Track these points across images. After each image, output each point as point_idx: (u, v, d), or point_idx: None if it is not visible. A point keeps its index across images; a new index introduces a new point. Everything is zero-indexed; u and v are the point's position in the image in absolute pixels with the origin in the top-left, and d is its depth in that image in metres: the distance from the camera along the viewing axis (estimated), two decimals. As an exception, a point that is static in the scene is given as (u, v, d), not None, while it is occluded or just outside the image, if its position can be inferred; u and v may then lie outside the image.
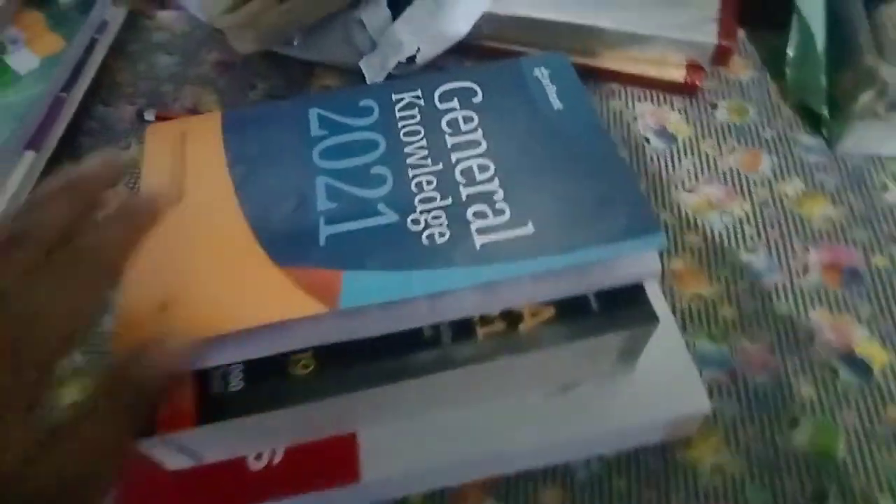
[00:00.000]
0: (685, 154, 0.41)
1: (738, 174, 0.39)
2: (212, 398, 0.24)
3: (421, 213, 0.26)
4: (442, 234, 0.26)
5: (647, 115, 0.43)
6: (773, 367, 0.32)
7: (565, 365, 0.27)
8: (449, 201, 0.27)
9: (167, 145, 0.30)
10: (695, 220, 0.38)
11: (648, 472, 0.29)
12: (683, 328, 0.33)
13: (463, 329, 0.26)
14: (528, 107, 0.30)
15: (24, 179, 0.37)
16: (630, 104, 0.43)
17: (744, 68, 0.45)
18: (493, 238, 0.25)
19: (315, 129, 0.30)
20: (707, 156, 0.40)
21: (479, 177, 0.28)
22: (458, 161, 0.28)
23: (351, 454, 0.27)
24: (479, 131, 0.29)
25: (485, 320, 0.26)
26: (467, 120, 0.30)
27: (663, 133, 0.42)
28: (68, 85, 0.41)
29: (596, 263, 0.25)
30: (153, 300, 0.24)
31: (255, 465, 0.27)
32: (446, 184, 0.27)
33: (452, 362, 0.25)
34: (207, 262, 0.26)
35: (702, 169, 0.40)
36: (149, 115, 0.44)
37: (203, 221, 0.27)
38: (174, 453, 0.26)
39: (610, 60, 0.44)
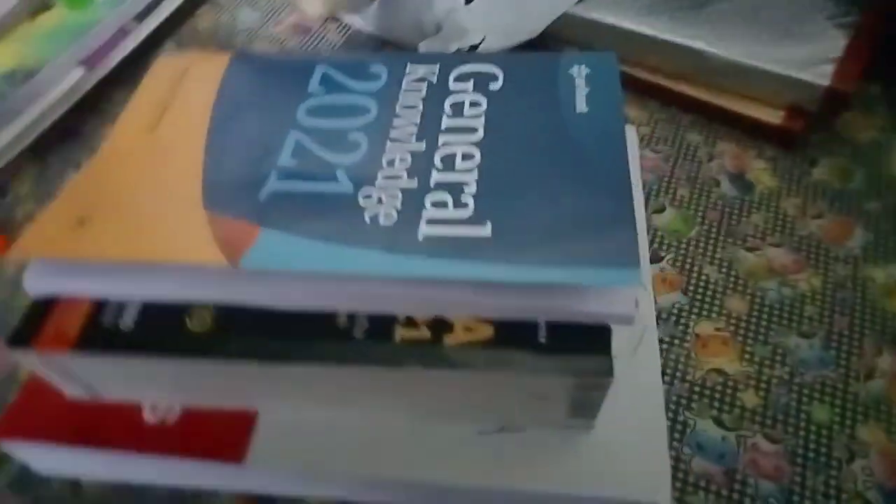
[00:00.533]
0: (758, 208, 0.34)
1: (819, 245, 0.32)
2: (99, 328, 0.22)
3: (378, 188, 0.23)
4: (388, 216, 0.22)
5: (727, 157, 0.36)
6: (785, 479, 0.25)
7: (501, 400, 0.23)
8: (413, 184, 0.23)
9: (167, 77, 0.29)
10: (745, 283, 0.31)
11: (583, 560, 0.24)
12: (688, 405, 0.27)
13: (381, 327, 0.22)
14: (547, 104, 0.26)
15: (69, 92, 0.38)
16: (710, 140, 0.37)
17: (865, 128, 0.37)
18: (442, 232, 0.21)
19: (313, 86, 0.28)
20: (786, 215, 0.34)
21: (458, 165, 0.24)
22: (444, 145, 0.25)
23: (244, 433, 0.24)
24: (482, 119, 0.26)
25: (410, 324, 0.22)
26: (474, 105, 0.26)
27: (739, 179, 0.35)
28: (141, 16, 0.42)
29: (550, 286, 0.21)
30: (74, 214, 0.23)
31: (151, 419, 0.25)
32: (420, 166, 0.24)
33: (356, 359, 0.21)
34: (145, 193, 0.24)
35: (774, 228, 0.33)
36: (214, 62, 0.44)
37: (162, 154, 0.25)
38: (64, 378, 0.24)
39: (698, 88, 0.38)
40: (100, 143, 0.39)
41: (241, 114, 0.27)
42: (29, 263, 0.23)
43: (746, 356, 0.29)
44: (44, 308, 0.23)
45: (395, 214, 0.22)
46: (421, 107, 0.26)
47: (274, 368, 0.22)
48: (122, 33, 0.41)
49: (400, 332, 0.22)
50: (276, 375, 0.23)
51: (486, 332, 0.21)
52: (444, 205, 0.22)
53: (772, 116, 0.36)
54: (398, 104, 0.27)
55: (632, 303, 0.21)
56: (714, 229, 0.33)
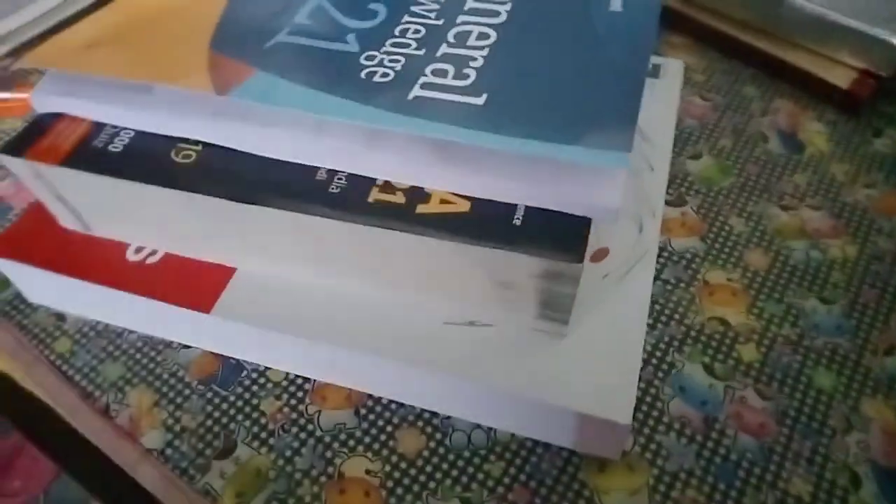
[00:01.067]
0: (804, 169, 0.31)
1: (864, 214, 0.29)
2: (89, 148, 0.23)
3: (383, 52, 0.22)
4: (385, 75, 0.21)
5: (782, 114, 0.34)
6: (769, 437, 0.23)
7: (469, 285, 0.22)
8: (421, 52, 0.22)
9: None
10: (771, 239, 0.29)
11: (534, 472, 0.23)
12: (680, 347, 0.25)
13: (357, 186, 0.21)
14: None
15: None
16: (767, 96, 0.34)
17: (947, 105, 0.34)
18: (433, 95, 0.21)
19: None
20: (833, 180, 0.31)
21: (470, 41, 0.23)
22: (463, 23, 0.24)
23: (217, 286, 0.24)
24: (508, 4, 0.25)
25: (387, 188, 0.21)
26: (507, -10, 0.25)
27: (790, 138, 0.33)
28: None
29: (531, 163, 0.20)
30: (89, 37, 0.23)
31: (133, 258, 0.25)
32: (431, 39, 0.23)
33: (324, 211, 0.21)
34: (158, 28, 0.24)
35: (816, 191, 0.30)
36: None
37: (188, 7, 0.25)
38: (53, 199, 0.24)
39: (767, 40, 0.35)
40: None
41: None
42: (40, 81, 0.24)
43: (755, 311, 0.26)
44: (44, 126, 0.24)
45: (391, 74, 0.21)
46: (449, -14, 0.25)
47: (247, 212, 0.22)
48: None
49: (375, 195, 0.21)
50: (250, 222, 0.22)
51: (462, 206, 0.20)
52: (444, 73, 0.21)
53: (841, 79, 0.33)
54: (426, -20, 0.26)
55: (616, 194, 0.19)
56: (750, 183, 0.31)
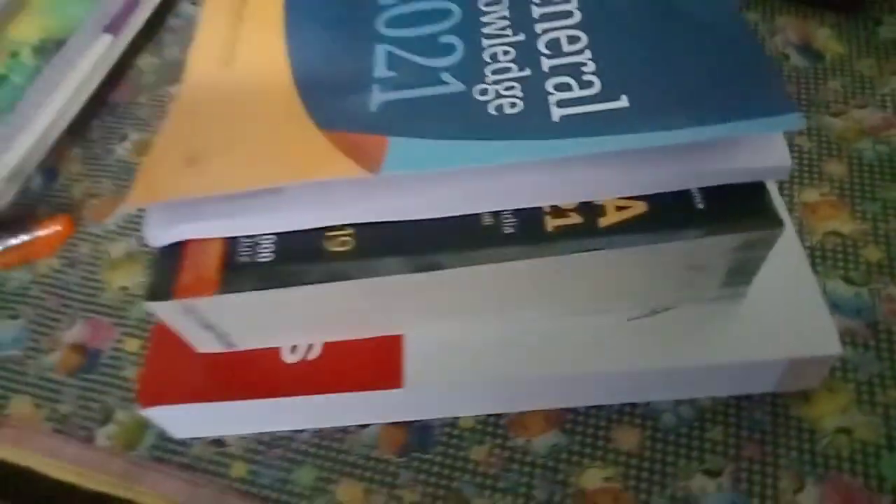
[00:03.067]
0: (833, 74, 0.33)
1: (902, 98, 0.32)
2: (237, 266, 0.22)
3: (492, 83, 0.22)
4: (514, 105, 0.21)
5: (789, 30, 0.36)
6: (929, 322, 0.25)
7: (656, 278, 0.22)
8: (527, 73, 0.22)
9: (226, 5, 0.28)
10: (839, 147, 0.31)
11: (752, 425, 0.24)
12: (814, 268, 0.27)
13: (529, 220, 0.21)
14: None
15: (99, 60, 0.36)
16: (768, 17, 0.36)
17: (919, -19, 0.36)
18: (577, 110, 0.21)
19: (384, -1, 0.27)
20: (862, 76, 0.33)
21: (566, 48, 0.23)
22: (545, 31, 0.24)
23: (394, 358, 0.24)
24: (574, 2, 0.25)
25: (558, 213, 0.21)
26: (562, -10, 0.25)
27: (807, 49, 0.35)
28: (154, -24, 0.40)
29: (706, 144, 0.20)
30: (182, 155, 0.22)
31: (290, 358, 0.25)
32: (526, 54, 0.23)
33: (508, 255, 0.21)
34: (246, 123, 0.23)
35: (854, 91, 0.33)
36: (236, 16, 0.42)
37: (249, 82, 0.24)
38: (200, 328, 0.23)
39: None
40: (135, 114, 0.37)
41: (316, 36, 0.26)
42: (146, 215, 0.22)
43: (858, 215, 0.28)
44: (173, 260, 0.22)
45: (520, 103, 0.21)
46: (506, 1, 0.25)
47: (423, 280, 0.21)
48: (140, -5, 0.39)
49: (550, 222, 0.21)
50: (423, 289, 0.22)
51: (640, 208, 0.21)
52: (567, 87, 0.22)
53: (829, -19, 0.35)
54: (481, 2, 0.25)
55: (785, 152, 0.20)
56: (795, 101, 0.33)
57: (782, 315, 0.23)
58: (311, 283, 0.21)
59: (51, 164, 0.36)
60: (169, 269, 0.22)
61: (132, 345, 0.29)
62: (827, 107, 0.32)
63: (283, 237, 0.22)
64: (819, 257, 0.28)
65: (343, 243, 0.22)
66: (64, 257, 0.33)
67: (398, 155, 0.20)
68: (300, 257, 0.21)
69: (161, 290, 0.22)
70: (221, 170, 0.21)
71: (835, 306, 0.26)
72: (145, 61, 0.41)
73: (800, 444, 0.23)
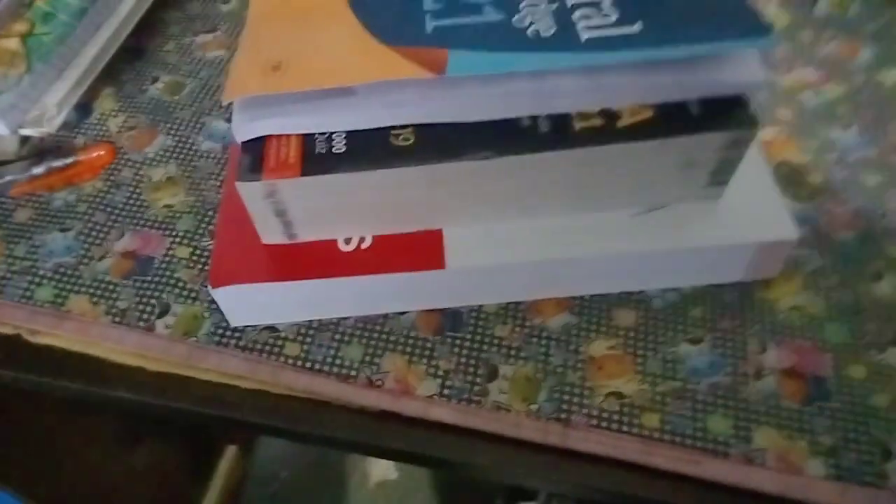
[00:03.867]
0: (781, 40, 0.40)
1: (836, 61, 0.39)
2: (315, 156, 0.26)
3: (527, 13, 0.27)
4: (548, 29, 0.26)
5: (743, 6, 0.42)
6: (858, 229, 0.31)
7: (657, 173, 0.27)
8: (556, 5, 0.27)
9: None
10: (787, 97, 0.37)
11: (725, 305, 0.29)
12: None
13: (560, 122, 0.26)
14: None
15: (133, 9, 0.39)
16: (725, -5, 0.43)
17: (846, -29, 0.44)
18: (600, 33, 0.26)
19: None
20: (803, 44, 0.40)
21: (588, -12, 0.28)
22: (569, -24, 0.29)
23: (437, 247, 0.28)
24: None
25: (584, 117, 0.26)
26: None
27: (758, 22, 0.41)
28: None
29: (702, 60, 0.26)
30: (266, 62, 0.26)
31: (345, 248, 0.28)
32: (554, -9, 0.28)
33: (546, 147, 0.25)
34: (317, 40, 0.27)
35: (797, 55, 0.39)
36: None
37: (312, 10, 0.28)
38: (272, 215, 0.27)
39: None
40: (165, 60, 0.40)
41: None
42: (234, 112, 0.26)
43: (803, 148, 0.35)
44: (256, 150, 0.26)
45: (552, 28, 0.26)
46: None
47: (471, 170, 0.26)
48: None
49: (578, 123, 0.26)
50: (469, 179, 0.26)
51: (648, 113, 0.26)
52: (589, 17, 0.27)
53: (775, -33, 0.42)
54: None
55: (760, 69, 0.26)
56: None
57: (751, 211, 0.28)
58: (378, 169, 0.25)
59: (85, 101, 0.38)
60: (254, 158, 0.26)
61: (183, 252, 0.32)
62: (776, 67, 0.39)
63: (353, 134, 0.26)
64: (775, 181, 0.33)
65: (406, 139, 0.26)
66: (108, 180, 0.35)
67: (458, 62, 0.25)
68: (369, 150, 0.26)
69: (250, 174, 0.25)
70: (303, 73, 0.25)
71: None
72: (169, 14, 0.44)
73: (762, 318, 0.29)
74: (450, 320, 0.30)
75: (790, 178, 0.34)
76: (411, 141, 0.26)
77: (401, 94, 0.25)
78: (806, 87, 0.37)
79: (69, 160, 0.36)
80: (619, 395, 0.27)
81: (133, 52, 0.41)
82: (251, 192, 0.26)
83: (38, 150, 0.36)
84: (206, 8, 0.44)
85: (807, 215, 0.32)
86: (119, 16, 0.38)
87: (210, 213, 0.34)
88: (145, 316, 0.30)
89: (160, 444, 0.77)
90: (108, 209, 0.34)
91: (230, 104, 0.37)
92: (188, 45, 0.42)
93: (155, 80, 0.40)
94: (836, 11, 0.41)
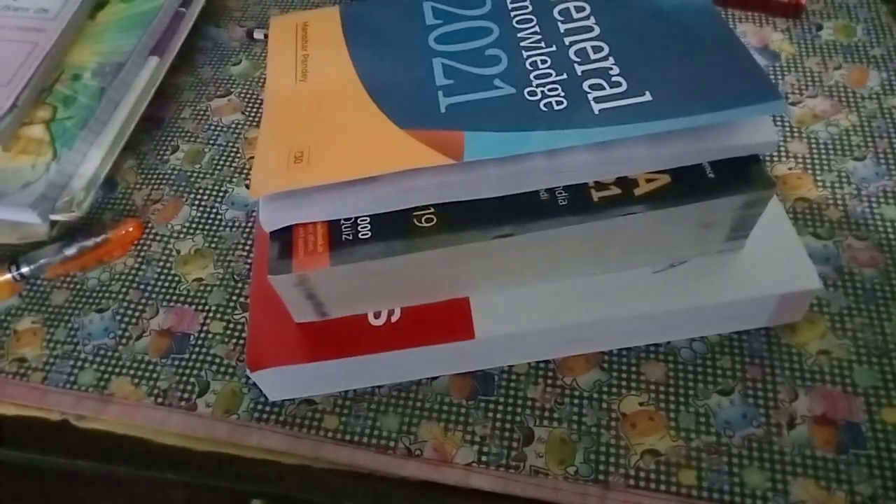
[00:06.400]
0: (788, 70, 0.40)
1: (845, 89, 0.39)
2: (342, 242, 0.26)
3: (537, 86, 0.28)
4: (560, 103, 0.27)
5: (750, 35, 0.42)
6: (881, 263, 0.32)
7: (676, 235, 0.28)
8: (564, 76, 0.28)
9: (290, 32, 0.32)
10: (799, 130, 0.37)
11: (752, 353, 0.30)
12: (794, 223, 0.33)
13: (578, 193, 0.27)
14: (640, -2, 0.31)
15: (149, 82, 0.40)
16: (732, 25, 0.43)
17: (850, -9, 0.44)
18: (611, 105, 0.26)
19: (429, 19, 0.32)
20: (811, 72, 0.40)
21: (593, 56, 0.28)
22: (572, 44, 0.29)
23: (465, 315, 0.29)
24: (592, 18, 0.30)
25: (600, 186, 0.27)
26: (579, 10, 0.31)
27: (765, 51, 0.41)
28: (184, 3, 0.43)
29: (715, 127, 0.26)
30: (288, 153, 0.27)
31: (375, 322, 0.29)
32: (561, 62, 0.28)
33: (566, 220, 0.26)
34: (336, 127, 0.27)
35: (806, 84, 0.39)
36: (258, 34, 0.46)
37: (328, 95, 0.29)
38: (304, 299, 0.28)
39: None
40: (183, 128, 0.41)
41: (378, 52, 0.31)
42: (260, 204, 0.27)
43: (819, 183, 0.35)
44: (285, 240, 0.27)
45: (564, 101, 0.27)
46: (534, 20, 0.31)
47: (494, 247, 0.26)
48: (178, 19, 0.43)
49: (596, 194, 0.26)
50: (493, 255, 0.27)
51: (665, 179, 0.27)
52: (600, 87, 0.27)
53: (779, -7, 0.42)
54: (514, 21, 0.31)
55: (774, 131, 0.26)
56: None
57: (772, 261, 0.29)
58: (405, 254, 0.26)
59: (109, 176, 0.39)
60: (284, 248, 0.26)
61: (216, 326, 0.33)
62: (786, 97, 0.39)
63: (377, 218, 0.27)
64: (793, 219, 0.34)
65: (429, 220, 0.26)
66: (138, 256, 0.36)
67: (475, 145, 0.25)
68: (394, 234, 0.26)
69: (281, 265, 0.26)
70: (325, 164, 0.26)
71: (811, 255, 0.32)
72: (181, 79, 0.45)
73: (791, 365, 0.29)
74: (481, 383, 0.30)
75: (808, 215, 0.34)
76: (434, 221, 0.26)
77: (421, 180, 0.26)
78: (817, 119, 0.38)
79: (99, 239, 0.36)
80: (654, 453, 0.28)
81: (151, 122, 0.42)
82: (282, 283, 0.26)
83: (68, 231, 0.37)
84: (218, 71, 0.45)
85: (828, 253, 0.32)
86: (136, 90, 0.39)
87: (240, 284, 0.35)
88: (186, 395, 0.31)
89: None
90: (141, 287, 0.35)
91: (250, 170, 0.38)
92: (203, 110, 0.43)
93: (175, 149, 0.41)
94: (841, 38, 0.41)
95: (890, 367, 0.29)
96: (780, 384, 0.29)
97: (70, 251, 0.36)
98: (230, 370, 0.32)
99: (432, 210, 0.27)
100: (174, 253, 0.36)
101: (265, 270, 0.27)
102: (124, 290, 0.35)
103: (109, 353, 0.33)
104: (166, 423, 0.31)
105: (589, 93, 0.27)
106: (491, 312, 0.29)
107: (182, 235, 0.37)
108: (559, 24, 0.30)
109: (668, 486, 0.27)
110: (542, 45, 0.30)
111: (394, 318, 0.29)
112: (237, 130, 0.42)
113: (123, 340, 0.33)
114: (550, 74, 0.28)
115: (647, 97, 0.26)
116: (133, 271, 0.36)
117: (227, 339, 0.33)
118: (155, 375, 0.32)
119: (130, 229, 0.37)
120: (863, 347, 0.30)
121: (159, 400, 0.31)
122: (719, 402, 0.29)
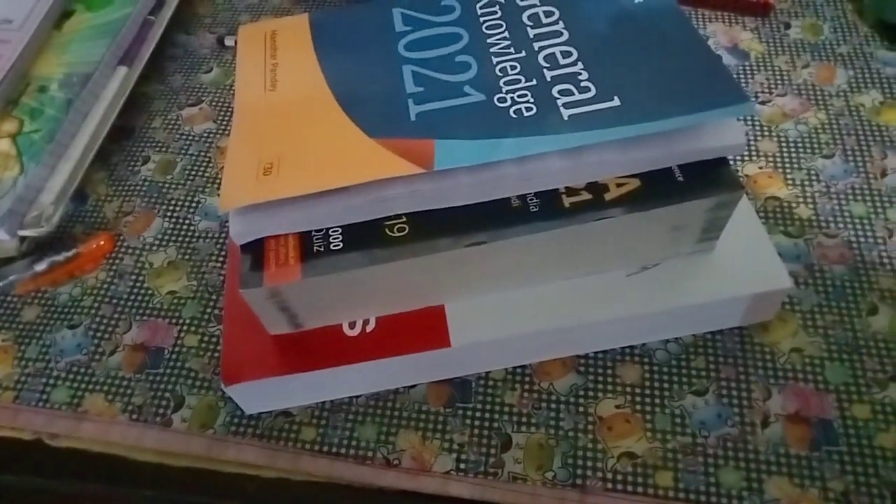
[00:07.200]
0: (758, 69, 0.41)
1: (813, 87, 0.39)
2: (314, 254, 0.26)
3: (507, 92, 0.28)
4: (529, 109, 0.27)
5: (720, 34, 0.43)
6: (850, 261, 0.32)
7: (648, 238, 0.28)
8: (534, 82, 0.28)
9: (259, 41, 0.32)
10: (769, 129, 0.38)
11: (726, 352, 0.30)
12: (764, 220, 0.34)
13: (550, 199, 0.27)
14: (606, 2, 0.31)
15: (118, 92, 0.39)
16: (702, 24, 0.43)
17: (817, -10, 0.44)
18: (581, 110, 0.26)
19: (399, 26, 0.32)
20: (780, 70, 0.40)
21: (562, 61, 0.29)
22: (541, 49, 0.29)
23: (440, 323, 0.29)
24: (561, 23, 0.30)
25: (571, 191, 0.27)
26: (548, 14, 0.31)
27: (735, 50, 0.42)
28: (153, 10, 0.43)
29: (683, 130, 0.26)
30: (257, 165, 0.26)
31: (350, 332, 0.29)
32: (530, 68, 0.28)
33: (538, 226, 0.26)
34: (305, 137, 0.27)
35: (775, 83, 0.40)
36: (229, 41, 0.46)
37: (297, 104, 0.29)
38: (277, 311, 0.27)
39: (680, -19, 0.44)
40: (153, 138, 0.41)
41: (347, 59, 0.30)
42: (231, 218, 0.26)
43: (789, 181, 0.35)
44: (256, 253, 0.26)
45: (534, 107, 0.27)
46: (504, 25, 0.31)
47: (467, 255, 0.26)
48: (147, 27, 0.42)
49: (567, 200, 0.27)
50: (465, 262, 0.27)
51: (635, 184, 0.27)
52: (570, 92, 0.27)
53: (747, -7, 0.43)
54: (483, 27, 0.31)
55: (742, 133, 0.26)
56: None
57: (743, 261, 0.29)
58: (378, 264, 0.26)
59: (79, 188, 0.39)
60: (255, 261, 0.26)
61: (191, 340, 0.33)
62: (756, 97, 0.39)
63: (348, 228, 0.27)
64: (764, 217, 0.34)
65: (401, 229, 0.26)
66: (110, 270, 0.36)
67: (446, 153, 0.25)
68: (366, 244, 0.26)
69: (252, 279, 0.26)
70: (295, 176, 0.26)
71: (779, 254, 0.33)
72: (152, 88, 0.44)
73: (764, 364, 0.30)
74: (459, 390, 0.30)
75: (779, 214, 0.34)
76: (406, 231, 0.26)
77: (392, 190, 0.26)
78: (787, 117, 0.38)
79: (70, 253, 0.36)
80: (631, 456, 0.28)
81: (121, 132, 0.42)
82: (254, 296, 0.26)
83: (38, 246, 0.37)
84: (188, 79, 0.45)
85: (799, 251, 0.33)
86: (105, 100, 0.39)
87: (214, 296, 0.34)
88: (161, 410, 0.31)
89: None
90: (114, 301, 0.35)
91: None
92: (174, 120, 0.42)
93: (146, 160, 0.40)
94: (809, 36, 0.42)
95: (860, 364, 0.29)
96: (754, 383, 0.29)
97: (40, 266, 0.36)
98: (206, 384, 0.32)
99: (404, 219, 0.27)
100: (147, 266, 0.36)
101: (238, 283, 0.26)
102: (96, 304, 0.35)
103: (82, 370, 0.33)
104: (142, 440, 0.30)
105: (558, 98, 0.27)
106: (466, 319, 0.29)
107: (154, 248, 0.37)
108: (528, 29, 0.30)
109: (646, 489, 0.27)
110: (512, 50, 0.30)
111: (369, 328, 0.29)
112: (209, 139, 0.41)
113: (96, 356, 0.33)
114: (520, 80, 0.28)
115: (616, 102, 0.26)
116: (105, 285, 0.35)
117: (202, 353, 0.33)
118: (129, 391, 0.32)
119: (102, 243, 0.36)
120: (834, 344, 0.30)
121: (134, 416, 0.31)
122: (694, 403, 0.29)
